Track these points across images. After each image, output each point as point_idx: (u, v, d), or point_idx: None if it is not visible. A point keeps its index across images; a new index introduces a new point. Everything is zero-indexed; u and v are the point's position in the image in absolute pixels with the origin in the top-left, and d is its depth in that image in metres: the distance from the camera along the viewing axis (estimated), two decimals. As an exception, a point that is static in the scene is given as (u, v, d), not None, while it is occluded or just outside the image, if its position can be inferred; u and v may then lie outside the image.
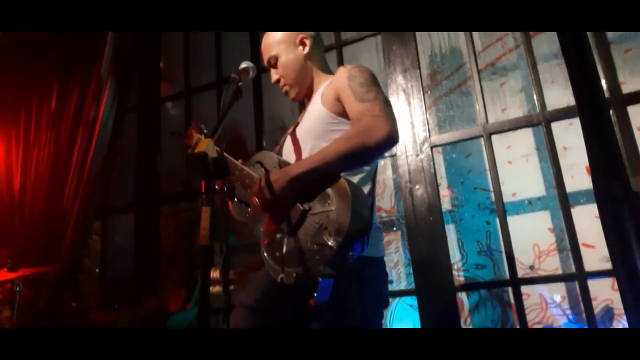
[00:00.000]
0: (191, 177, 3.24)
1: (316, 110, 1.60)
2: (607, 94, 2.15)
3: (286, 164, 1.57)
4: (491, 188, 2.39)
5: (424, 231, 2.37)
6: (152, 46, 3.60)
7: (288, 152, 1.69)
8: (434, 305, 2.29)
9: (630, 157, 2.05)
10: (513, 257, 2.26)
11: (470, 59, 2.54)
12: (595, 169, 1.83)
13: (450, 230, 2.85)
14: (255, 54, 3.11)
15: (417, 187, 2.42)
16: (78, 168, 3.14)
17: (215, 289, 2.76)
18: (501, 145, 2.63)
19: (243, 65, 1.60)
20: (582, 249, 2.12)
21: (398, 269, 3.01)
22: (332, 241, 1.28)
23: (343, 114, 1.52)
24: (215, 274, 2.78)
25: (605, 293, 2.37)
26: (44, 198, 3.21)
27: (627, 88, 2.19)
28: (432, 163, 2.44)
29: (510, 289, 2.52)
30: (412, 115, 2.53)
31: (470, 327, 2.70)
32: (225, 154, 1.59)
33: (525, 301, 2.30)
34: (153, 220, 3.25)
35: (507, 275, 2.28)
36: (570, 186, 2.24)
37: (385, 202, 3.13)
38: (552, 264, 2.58)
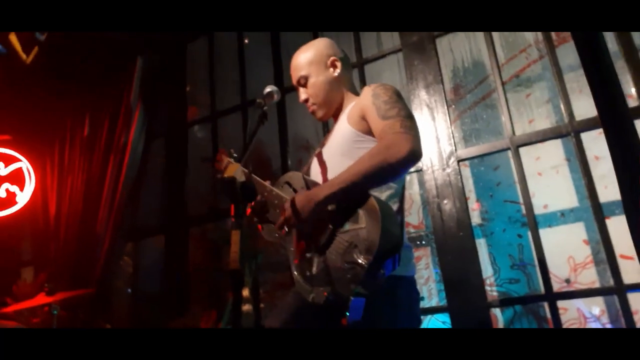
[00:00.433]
0: (218, 199, 3.29)
1: (342, 129, 1.62)
2: (638, 102, 2.10)
3: (314, 183, 1.58)
4: (521, 201, 2.34)
5: (454, 246, 2.34)
6: (178, 71, 3.69)
7: (315, 171, 1.71)
8: (468, 322, 2.24)
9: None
10: (547, 270, 2.21)
11: (494, 71, 2.52)
12: (622, 181, 1.78)
13: (481, 245, 2.80)
14: (278, 76, 3.17)
15: (445, 201, 2.40)
16: (110, 193, 3.23)
17: (245, 307, 2.78)
18: (530, 157, 2.59)
19: (267, 89, 1.64)
20: (620, 261, 2.06)
21: (429, 286, 2.96)
22: (362, 259, 1.28)
23: (368, 132, 1.54)
24: (244, 292, 2.80)
25: (647, 306, 2.28)
26: (78, 224, 3.31)
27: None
28: (459, 177, 2.42)
29: (546, 304, 2.45)
30: (436, 129, 2.52)
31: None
32: (253, 175, 1.62)
33: (562, 316, 2.24)
34: (182, 241, 3.30)
35: (542, 289, 2.22)
36: (604, 196, 2.18)
37: (413, 217, 3.10)
38: (589, 277, 2.50)
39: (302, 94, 1.77)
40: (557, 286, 2.45)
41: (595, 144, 2.33)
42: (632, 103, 2.42)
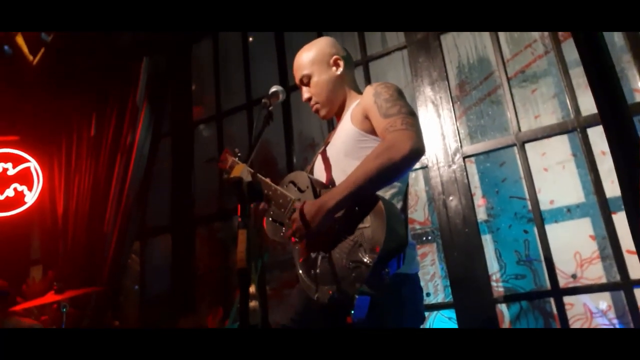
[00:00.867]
0: (225, 198, 3.30)
1: (346, 128, 1.63)
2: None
3: (319, 183, 1.59)
4: (527, 196, 2.34)
5: (460, 242, 2.34)
6: (184, 72, 3.70)
7: (319, 170, 1.71)
8: (473, 317, 2.25)
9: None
10: (554, 266, 2.21)
11: (499, 67, 2.52)
12: (622, 178, 1.78)
13: (487, 241, 2.79)
14: (282, 76, 3.17)
15: (450, 198, 2.40)
16: (117, 193, 3.26)
17: (252, 304, 2.79)
18: (536, 152, 2.58)
19: (273, 89, 1.64)
20: (627, 256, 2.05)
21: (435, 282, 2.96)
22: (367, 258, 1.28)
23: (372, 131, 1.54)
24: (251, 289, 2.82)
25: (654, 302, 2.27)
26: (85, 223, 3.34)
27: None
28: (465, 173, 2.42)
29: (552, 300, 2.44)
30: (442, 126, 2.52)
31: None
32: (258, 175, 1.63)
33: (568, 311, 2.24)
34: (189, 240, 3.32)
35: (548, 285, 2.23)
36: (610, 192, 2.17)
37: (419, 214, 3.10)
38: (596, 273, 2.49)
39: (305, 92, 1.78)
40: (563, 282, 2.45)
41: (602, 139, 2.31)
42: (638, 97, 2.41)
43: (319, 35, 3.01)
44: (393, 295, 1.38)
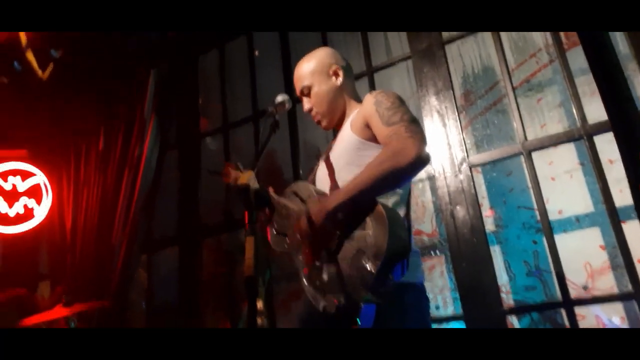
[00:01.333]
0: (232, 208, 3.30)
1: (346, 137, 1.63)
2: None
3: (321, 193, 1.59)
4: (535, 206, 2.32)
5: (468, 254, 2.32)
6: (191, 84, 3.74)
7: (322, 177, 1.70)
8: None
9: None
10: (564, 277, 2.18)
11: (504, 76, 2.52)
12: (633, 183, 1.76)
13: (496, 252, 2.77)
14: (288, 86, 3.19)
15: (458, 208, 2.39)
16: (125, 206, 3.27)
17: (259, 320, 2.77)
18: (543, 161, 2.57)
19: (279, 98, 1.66)
20: (638, 266, 2.02)
21: (444, 294, 2.93)
22: (370, 265, 1.28)
23: (372, 139, 1.55)
24: (258, 304, 2.80)
25: (668, 311, 2.23)
26: (93, 236, 3.35)
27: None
28: (472, 183, 2.40)
29: (563, 311, 2.41)
30: (448, 135, 2.51)
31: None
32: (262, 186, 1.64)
33: (580, 323, 2.20)
34: (196, 252, 3.31)
35: (558, 296, 2.19)
36: (620, 200, 2.15)
37: (426, 225, 3.08)
38: (607, 283, 2.45)
39: (306, 103, 1.79)
40: (574, 293, 2.41)
41: (609, 147, 2.30)
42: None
43: (324, 38, 3.05)
44: (396, 304, 1.36)
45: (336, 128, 1.82)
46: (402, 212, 1.51)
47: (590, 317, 2.47)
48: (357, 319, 1.24)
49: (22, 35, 3.79)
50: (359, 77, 2.92)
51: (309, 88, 1.76)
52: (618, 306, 2.42)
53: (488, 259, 2.29)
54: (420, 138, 1.40)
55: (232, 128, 3.47)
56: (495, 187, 2.88)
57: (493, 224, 2.84)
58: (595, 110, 2.30)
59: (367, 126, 1.55)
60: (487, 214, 2.85)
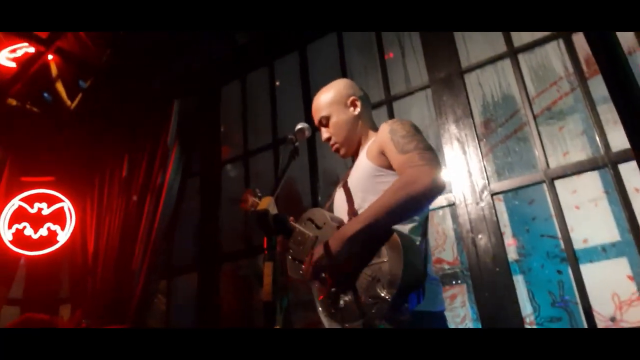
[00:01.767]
0: (251, 234, 3.32)
1: (362, 164, 1.65)
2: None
3: (336, 220, 1.59)
4: (559, 235, 2.27)
5: (491, 283, 2.27)
6: (213, 113, 3.82)
7: (339, 204, 1.71)
8: (507, 362, 2.14)
9: None
10: (590, 308, 2.11)
11: (525, 104, 2.51)
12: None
13: (519, 282, 2.71)
14: (308, 115, 3.23)
15: (479, 236, 2.35)
16: (146, 232, 3.31)
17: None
18: (566, 190, 2.53)
19: (299, 126, 1.68)
20: (669, 298, 1.95)
21: (465, 324, 2.86)
22: (385, 293, 1.26)
23: (388, 166, 1.56)
24: (276, 331, 2.77)
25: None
26: (114, 261, 3.39)
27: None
28: (493, 211, 2.37)
29: (591, 344, 2.32)
30: (468, 163, 2.50)
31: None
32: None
33: (608, 356, 2.11)
34: (214, 278, 3.31)
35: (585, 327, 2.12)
36: (648, 230, 2.09)
37: (447, 253, 3.04)
38: (636, 315, 2.37)
39: (325, 133, 1.83)
40: (601, 325, 2.33)
41: (635, 175, 2.26)
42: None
43: (343, 67, 3.10)
44: None
45: (354, 156, 1.84)
46: (418, 238, 1.50)
47: (619, 352, 2.37)
48: None
49: (53, 66, 3.95)
50: (378, 105, 2.95)
51: (327, 118, 1.80)
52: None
53: (511, 288, 2.23)
54: (435, 165, 1.41)
55: (252, 156, 3.52)
56: (518, 216, 2.84)
57: (516, 253, 2.79)
58: (619, 138, 2.27)
59: (383, 154, 1.57)
60: (510, 242, 2.80)
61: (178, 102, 3.68)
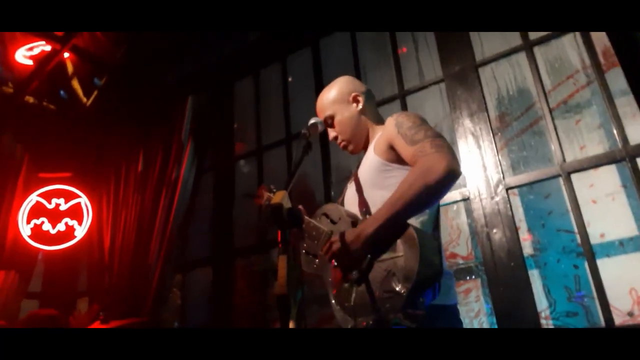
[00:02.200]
0: (265, 229, 3.34)
1: (370, 160, 1.65)
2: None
3: (351, 215, 1.59)
4: (576, 230, 2.25)
5: (506, 278, 2.25)
6: (226, 109, 3.84)
7: (350, 199, 1.71)
8: (522, 358, 2.13)
9: None
10: (608, 303, 2.08)
11: (540, 98, 2.48)
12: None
13: (534, 276, 2.68)
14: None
15: (494, 231, 2.33)
16: (161, 226, 3.35)
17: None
18: (582, 184, 2.49)
19: (312, 120, 1.69)
20: (689, 293, 1.92)
21: (480, 319, 2.85)
22: (401, 288, 1.26)
23: (395, 160, 1.55)
24: (290, 324, 2.78)
25: None
26: (130, 256, 3.44)
27: None
28: (508, 205, 2.35)
29: (608, 340, 2.29)
30: (483, 157, 2.48)
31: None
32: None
33: (626, 352, 2.08)
34: (229, 273, 3.34)
35: (602, 323, 2.10)
36: (667, 224, 2.06)
37: (462, 248, 3.02)
38: (655, 311, 2.33)
39: (331, 132, 1.83)
40: (618, 320, 2.30)
41: (654, 168, 2.23)
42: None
43: (357, 63, 3.09)
44: (427, 327, 1.31)
45: (364, 150, 1.84)
46: (430, 231, 1.49)
47: (637, 347, 2.34)
48: None
49: (69, 64, 4.01)
50: (391, 100, 2.94)
51: (332, 117, 1.80)
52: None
53: (526, 283, 2.22)
54: (447, 151, 1.39)
55: (265, 151, 3.54)
56: (533, 210, 2.81)
57: (531, 248, 2.76)
58: (637, 131, 2.24)
59: (390, 148, 1.56)
60: (525, 237, 2.77)
61: (192, 98, 3.71)
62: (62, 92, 4.08)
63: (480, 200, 2.42)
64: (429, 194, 1.37)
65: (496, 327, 2.25)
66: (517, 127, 2.95)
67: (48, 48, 3.74)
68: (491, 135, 2.51)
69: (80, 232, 3.93)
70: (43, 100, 4.06)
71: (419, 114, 1.58)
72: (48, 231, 3.87)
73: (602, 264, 2.21)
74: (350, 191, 1.73)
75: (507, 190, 2.39)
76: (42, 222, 3.88)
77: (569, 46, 2.72)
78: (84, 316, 3.43)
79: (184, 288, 3.59)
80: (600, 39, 2.44)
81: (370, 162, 1.63)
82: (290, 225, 1.28)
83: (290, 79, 3.64)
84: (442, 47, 2.83)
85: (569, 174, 2.29)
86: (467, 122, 2.59)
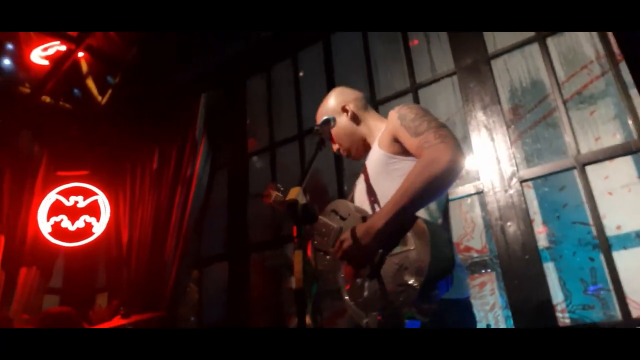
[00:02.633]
0: (279, 224, 3.36)
1: (375, 154, 1.66)
2: None
3: (360, 211, 1.60)
4: (591, 222, 2.23)
5: (520, 271, 2.25)
6: (239, 106, 3.87)
7: (360, 194, 1.72)
8: (538, 350, 2.13)
9: None
10: (624, 295, 2.07)
11: (554, 89, 2.46)
12: None
13: (550, 269, 2.67)
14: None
15: (508, 224, 2.33)
16: (177, 223, 3.40)
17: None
18: (597, 176, 2.47)
19: (324, 117, 1.70)
20: None
21: (495, 312, 2.85)
22: (414, 281, 1.26)
23: (400, 152, 1.57)
24: (306, 320, 2.81)
25: None
26: (147, 252, 3.49)
27: None
28: (522, 198, 2.35)
29: (624, 332, 2.28)
30: (496, 150, 2.47)
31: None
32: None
33: (643, 345, 2.07)
34: (244, 268, 3.38)
35: (619, 316, 2.09)
36: (684, 215, 2.04)
37: (476, 241, 3.02)
38: (673, 303, 2.31)
39: (333, 146, 1.90)
40: (636, 313, 2.29)
41: (671, 160, 2.20)
42: None
43: (368, 57, 3.08)
44: (440, 321, 1.32)
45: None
46: (439, 222, 1.50)
47: (654, 339, 2.32)
48: None
49: (83, 63, 4.06)
50: (404, 94, 2.93)
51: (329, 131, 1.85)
52: (686, 328, 2.27)
53: (541, 276, 2.21)
54: (452, 140, 1.40)
55: (278, 147, 3.56)
56: (548, 203, 2.79)
57: (546, 240, 2.75)
58: (654, 122, 2.21)
59: (394, 141, 1.57)
60: (540, 230, 2.76)
61: (205, 96, 3.74)
62: (76, 91, 4.14)
63: (495, 193, 2.42)
64: (436, 185, 1.37)
65: (511, 320, 2.25)
66: (530, 119, 2.93)
67: (63, 48, 3.79)
68: (504, 127, 2.49)
69: (98, 228, 4.00)
70: (59, 99, 4.12)
71: (419, 105, 1.59)
72: (67, 228, 3.94)
73: (619, 256, 2.19)
74: (360, 187, 1.74)
75: (521, 182, 2.38)
76: (62, 220, 3.96)
77: (583, 37, 2.68)
78: (104, 311, 3.50)
79: (200, 283, 3.64)
80: (614, 28, 2.40)
81: (376, 157, 1.65)
82: (305, 221, 1.30)
83: (301, 75, 3.65)
84: (454, 40, 2.82)
85: (583, 165, 2.28)
86: (480, 115, 2.58)
